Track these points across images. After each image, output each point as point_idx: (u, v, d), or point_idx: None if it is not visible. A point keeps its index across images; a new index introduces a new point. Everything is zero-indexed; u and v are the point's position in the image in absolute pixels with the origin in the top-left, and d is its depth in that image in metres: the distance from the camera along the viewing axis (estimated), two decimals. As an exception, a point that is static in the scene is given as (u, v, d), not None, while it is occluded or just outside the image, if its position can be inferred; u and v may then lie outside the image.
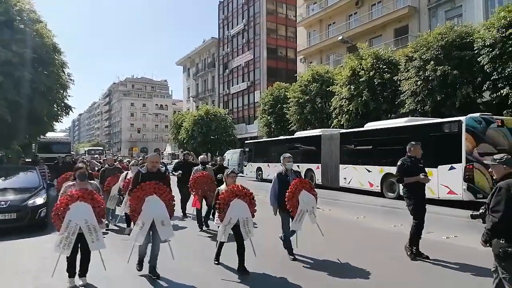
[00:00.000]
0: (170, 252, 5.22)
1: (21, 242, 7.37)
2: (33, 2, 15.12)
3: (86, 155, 36.51)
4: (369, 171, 15.06)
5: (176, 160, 31.29)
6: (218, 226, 5.36)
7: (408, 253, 5.89)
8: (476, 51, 14.96)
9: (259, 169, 24.61)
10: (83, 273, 4.87)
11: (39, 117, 15.69)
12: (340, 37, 23.89)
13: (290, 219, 5.92)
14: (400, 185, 6.25)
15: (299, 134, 21.75)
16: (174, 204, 5.23)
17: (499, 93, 14.17)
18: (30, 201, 8.50)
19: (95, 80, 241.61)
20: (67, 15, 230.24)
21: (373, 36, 27.22)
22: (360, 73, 19.83)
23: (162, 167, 7.15)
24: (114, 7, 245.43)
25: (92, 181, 5.26)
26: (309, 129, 22.98)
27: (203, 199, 8.37)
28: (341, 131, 17.77)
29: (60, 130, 43.16)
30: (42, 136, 20.68)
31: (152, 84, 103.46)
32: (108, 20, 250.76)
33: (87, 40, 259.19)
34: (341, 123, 20.86)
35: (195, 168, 8.87)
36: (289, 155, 6.18)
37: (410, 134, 13.25)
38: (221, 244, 5.52)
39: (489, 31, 14.50)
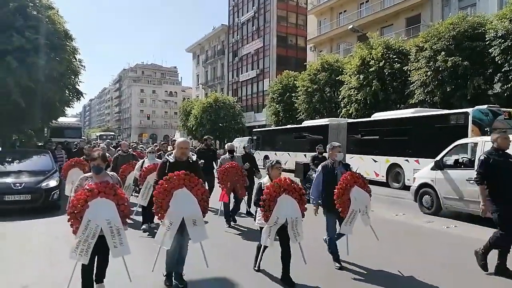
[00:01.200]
0: (200, 255, 4.30)
1: (35, 223, 7.72)
2: (43, -12, 15.31)
3: (98, 140, 36.80)
4: (375, 161, 15.13)
5: (197, 147, 30.97)
6: (260, 227, 4.58)
7: (480, 263, 4.87)
8: (487, 42, 14.79)
9: (266, 157, 24.79)
10: (100, 279, 4.00)
11: (51, 103, 16.03)
12: (351, 26, 23.68)
13: (337, 220, 5.05)
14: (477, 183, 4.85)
15: (307, 123, 21.83)
16: (208, 199, 4.34)
17: (510, 84, 14.05)
18: (44, 184, 8.84)
19: (106, 66, 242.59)
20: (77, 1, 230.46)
21: (384, 25, 26.90)
22: (370, 63, 19.72)
23: (193, 154, 6.52)
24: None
25: (112, 173, 4.33)
26: (318, 118, 23.01)
27: (231, 193, 7.67)
28: (348, 121, 17.82)
29: (71, 115, 43.80)
30: (54, 121, 21.12)
31: (161, 71, 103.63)
32: (119, 5, 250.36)
33: (97, 26, 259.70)
34: (350, 112, 20.84)
35: (222, 157, 8.18)
36: (339, 144, 5.28)
37: (417, 125, 13.35)
38: (264, 248, 4.60)
39: (502, 21, 14.31)
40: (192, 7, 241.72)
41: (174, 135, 62.94)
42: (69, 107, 20.00)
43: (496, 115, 11.36)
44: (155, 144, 16.60)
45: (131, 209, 4.83)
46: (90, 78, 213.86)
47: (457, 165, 8.63)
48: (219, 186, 7.66)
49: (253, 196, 4.70)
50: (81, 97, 18.93)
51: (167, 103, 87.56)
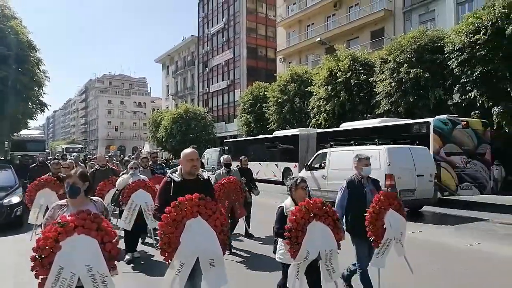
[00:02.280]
0: None
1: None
2: (6, -2, 14.86)
3: (65, 153, 35.43)
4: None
5: (203, 161, 29.84)
6: (284, 265, 3.55)
7: None
8: (446, 55, 15.64)
9: (237, 167, 24.80)
10: None
11: (13, 115, 15.44)
12: (318, 39, 24.35)
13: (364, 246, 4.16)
14: None
15: (278, 133, 22.12)
16: (228, 231, 3.44)
17: (468, 95, 14.87)
18: (6, 200, 8.46)
19: (70, 76, 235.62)
20: (41, 6, 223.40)
21: (350, 38, 27.83)
22: (337, 74, 20.32)
23: (203, 171, 4.83)
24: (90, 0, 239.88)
25: (96, 198, 3.16)
26: (288, 129, 23.37)
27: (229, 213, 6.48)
28: (318, 131, 18.23)
29: (33, 127, 42.10)
30: (16, 134, 20.30)
31: (130, 81, 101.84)
32: (84, 13, 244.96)
33: (62, 35, 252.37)
34: (319, 122, 21.31)
35: (217, 172, 7.28)
36: (367, 155, 4.34)
37: (383, 134, 13.83)
38: None
39: (459, 36, 15.17)
40: (161, 17, 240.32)
41: (143, 147, 61.78)
42: (32, 119, 19.35)
43: (455, 124, 12.03)
44: (131, 157, 14.71)
45: None
46: (54, 89, 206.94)
47: (318, 167, 12.18)
48: None
49: (274, 226, 3.54)
50: (45, 109, 18.38)
51: (136, 114, 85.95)
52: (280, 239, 3.57)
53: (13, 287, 4.88)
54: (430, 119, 12.19)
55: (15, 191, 8.97)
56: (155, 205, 3.48)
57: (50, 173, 7.09)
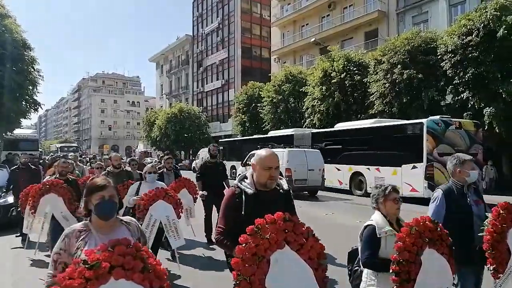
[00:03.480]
0: None
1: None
2: (0, -4, 14.75)
3: (59, 152, 34.95)
4: (338, 169, 15.64)
5: (198, 161, 28.91)
6: None
7: None
8: (439, 56, 15.84)
9: (233, 167, 24.85)
10: None
11: (7, 114, 15.35)
12: (313, 39, 24.48)
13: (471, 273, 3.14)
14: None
15: (273, 133, 22.18)
16: (326, 268, 2.21)
17: (460, 97, 15.08)
18: (1, 200, 8.42)
19: (63, 75, 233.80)
20: (33, 3, 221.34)
21: (344, 39, 28.00)
22: (331, 75, 20.46)
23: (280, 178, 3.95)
24: None
25: (129, 218, 2.24)
26: (283, 129, 23.45)
27: None
28: (312, 131, 18.36)
29: (25, 126, 41.80)
30: (9, 133, 20.15)
31: (123, 80, 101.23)
32: (78, 11, 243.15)
33: (54, 32, 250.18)
34: (314, 122, 21.43)
35: (241, 174, 6.26)
36: (470, 157, 3.36)
37: (377, 135, 14.07)
38: None
39: (451, 37, 15.38)
40: (155, 16, 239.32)
41: (137, 146, 61.55)
42: (26, 118, 19.23)
43: (448, 125, 12.21)
44: (153, 158, 13.42)
45: None
46: (47, 87, 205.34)
47: (251, 164, 12.47)
48: None
49: (360, 253, 2.73)
50: (39, 108, 18.29)
51: (130, 113, 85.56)
52: (369, 271, 2.68)
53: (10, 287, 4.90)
54: (423, 120, 12.37)
55: (10, 192, 8.93)
56: (219, 228, 2.45)
57: (56, 175, 5.86)
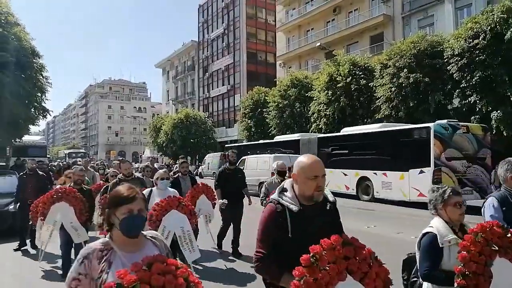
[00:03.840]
0: None
1: (3, 246, 7.40)
2: (10, 5, 14.98)
3: (67, 158, 35.15)
4: (345, 174, 15.56)
5: (204, 166, 28.52)
6: None
7: None
8: (446, 60, 15.75)
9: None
10: None
11: (16, 121, 15.53)
12: (318, 44, 24.50)
13: None
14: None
15: (279, 138, 22.17)
16: None
17: (468, 100, 14.96)
18: (11, 206, 8.47)
19: (71, 82, 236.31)
20: (41, 9, 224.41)
21: (350, 43, 28.00)
22: (337, 79, 20.43)
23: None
24: (92, 5, 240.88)
25: (153, 233, 1.92)
26: (289, 133, 23.41)
27: None
28: (318, 136, 18.29)
29: (33, 132, 42.27)
30: (18, 140, 20.38)
31: (130, 87, 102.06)
32: (84, 18, 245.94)
33: (62, 40, 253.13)
34: (320, 127, 21.38)
35: (268, 181, 5.90)
36: None
37: (383, 139, 13.99)
38: None
39: (458, 41, 15.30)
40: (161, 23, 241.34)
41: (143, 152, 61.86)
42: (34, 125, 19.45)
43: (455, 129, 12.07)
44: (164, 163, 13.03)
45: None
46: (55, 94, 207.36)
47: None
48: None
49: (419, 264, 2.48)
50: (47, 114, 18.50)
51: (136, 119, 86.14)
52: (429, 284, 2.41)
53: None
54: (430, 124, 12.25)
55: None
56: (259, 253, 2.03)
57: (70, 183, 5.83)
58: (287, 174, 5.80)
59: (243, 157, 16.58)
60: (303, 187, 2.06)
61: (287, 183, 2.20)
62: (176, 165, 8.00)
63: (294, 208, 2.04)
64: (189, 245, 4.59)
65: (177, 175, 6.65)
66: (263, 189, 5.74)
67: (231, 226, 6.60)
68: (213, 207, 6.53)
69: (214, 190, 6.53)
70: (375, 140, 14.46)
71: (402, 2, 24.39)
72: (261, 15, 44.08)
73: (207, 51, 48.15)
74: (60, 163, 16.08)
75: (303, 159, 2.13)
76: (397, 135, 13.59)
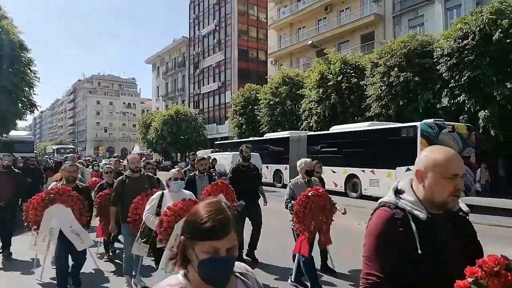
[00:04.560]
0: None
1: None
2: (-3, -2, 14.70)
3: (55, 154, 34.52)
4: (334, 172, 15.71)
5: (227, 165, 28.12)
6: None
7: None
8: (435, 60, 15.95)
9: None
10: None
11: (2, 115, 15.27)
12: (310, 42, 24.57)
13: None
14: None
15: (268, 135, 22.31)
16: None
17: (456, 100, 15.18)
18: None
19: (59, 76, 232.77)
20: (30, 4, 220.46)
21: (341, 41, 28.13)
22: (328, 77, 20.53)
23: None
24: (83, 1, 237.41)
25: (240, 266, 1.32)
26: (279, 131, 23.49)
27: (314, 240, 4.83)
28: (308, 134, 18.49)
29: (20, 128, 41.64)
30: (4, 135, 20.02)
31: (119, 82, 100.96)
32: (74, 12, 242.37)
33: (50, 33, 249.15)
34: (310, 125, 21.48)
35: (293, 181, 5.09)
36: None
37: (372, 138, 14.32)
38: None
39: (447, 41, 15.49)
40: (151, 18, 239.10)
41: (133, 148, 61.34)
42: (22, 119, 19.16)
43: (441, 128, 12.35)
44: (155, 160, 11.93)
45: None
46: (42, 89, 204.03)
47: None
48: (295, 229, 4.71)
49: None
50: (35, 109, 18.21)
51: (125, 115, 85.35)
52: None
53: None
54: (417, 123, 12.51)
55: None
56: (371, 277, 1.46)
57: (63, 181, 4.85)
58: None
59: (210, 154, 17.27)
60: (435, 189, 1.50)
61: (403, 183, 1.64)
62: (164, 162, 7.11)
63: (421, 215, 1.48)
64: None
65: (193, 173, 5.88)
66: (287, 190, 5.03)
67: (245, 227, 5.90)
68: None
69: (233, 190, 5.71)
70: (363, 138, 14.75)
71: (393, 1, 24.58)
72: (252, 12, 43.99)
73: (198, 48, 47.90)
74: (48, 159, 15.74)
75: (435, 152, 1.59)
76: (385, 134, 13.87)
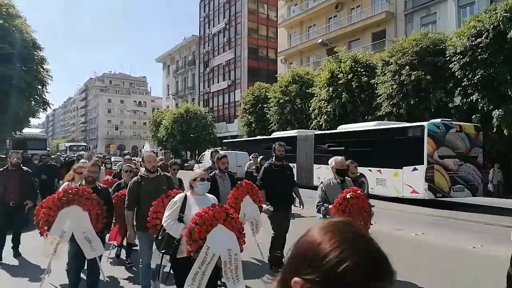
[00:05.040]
0: None
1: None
2: (11, -4, 14.92)
3: (68, 151, 34.89)
4: (341, 171, 15.68)
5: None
6: None
7: None
8: (448, 58, 15.72)
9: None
10: None
11: (16, 113, 15.53)
12: (320, 40, 24.43)
13: None
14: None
15: (276, 134, 22.42)
16: None
17: (469, 99, 14.95)
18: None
19: (71, 75, 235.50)
20: (41, 3, 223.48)
21: (352, 39, 27.90)
22: (338, 76, 20.40)
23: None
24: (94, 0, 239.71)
25: None
26: (289, 129, 23.45)
27: None
28: (315, 132, 18.61)
29: (33, 125, 42.29)
30: (18, 132, 20.36)
31: (130, 80, 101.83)
32: (85, 11, 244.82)
33: (62, 32, 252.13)
34: (320, 124, 21.38)
35: (325, 182, 4.73)
36: None
37: (379, 137, 14.38)
38: None
39: (460, 39, 15.26)
40: (162, 17, 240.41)
41: (143, 146, 61.80)
42: (35, 117, 19.46)
43: (448, 128, 12.36)
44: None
45: None
46: (54, 87, 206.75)
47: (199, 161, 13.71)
48: None
49: None
50: (48, 107, 18.49)
51: (136, 113, 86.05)
52: None
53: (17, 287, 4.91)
54: (424, 123, 12.51)
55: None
56: None
57: (82, 182, 4.40)
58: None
59: (203, 153, 17.64)
60: None
61: None
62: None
63: None
64: (233, 273, 3.30)
65: (212, 172, 5.10)
66: (318, 191, 4.58)
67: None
68: (261, 211, 5.33)
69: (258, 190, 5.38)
70: (370, 137, 14.78)
71: (405, -1, 24.28)
72: (262, 11, 43.89)
73: (208, 46, 47.99)
74: (60, 156, 15.91)
75: None
76: (392, 133, 13.92)
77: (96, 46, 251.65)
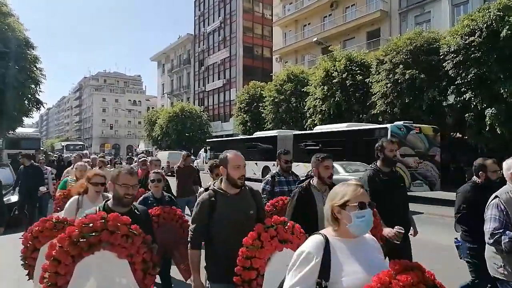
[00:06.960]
0: None
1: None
2: (3, -5, 14.78)
3: (65, 151, 34.51)
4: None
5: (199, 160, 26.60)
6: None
7: None
8: (441, 56, 15.79)
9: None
10: None
11: (9, 112, 15.41)
12: (315, 39, 24.48)
13: None
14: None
15: (258, 134, 23.37)
16: None
17: (463, 97, 15.03)
18: (5, 199, 8.40)
19: (65, 74, 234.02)
20: (35, 2, 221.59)
21: (346, 38, 27.97)
22: (333, 75, 20.43)
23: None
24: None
25: None
26: (284, 128, 23.63)
27: None
28: (294, 133, 19.62)
29: (27, 125, 41.91)
30: (11, 132, 20.19)
31: (125, 79, 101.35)
32: (79, 10, 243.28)
33: (56, 31, 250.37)
34: (315, 122, 21.43)
35: (503, 197, 3.15)
36: None
37: (349, 137, 15.68)
38: None
39: (454, 38, 15.32)
40: (156, 16, 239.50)
41: (138, 145, 61.59)
42: (28, 117, 19.29)
43: (409, 130, 13.55)
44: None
45: None
46: (48, 86, 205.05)
47: None
48: None
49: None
50: (41, 106, 18.36)
51: (131, 112, 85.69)
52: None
53: (14, 286, 4.89)
54: (388, 125, 13.83)
55: (14, 190, 8.94)
56: None
57: (108, 201, 2.70)
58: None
59: (199, 152, 18.06)
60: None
61: None
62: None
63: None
64: None
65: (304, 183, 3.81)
66: (492, 211, 3.13)
67: None
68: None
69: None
70: (342, 137, 15.97)
71: (399, -2, 24.39)
72: (257, 9, 43.88)
73: (203, 45, 47.90)
74: (53, 156, 15.82)
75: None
76: (360, 134, 15.26)
77: (91, 46, 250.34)
